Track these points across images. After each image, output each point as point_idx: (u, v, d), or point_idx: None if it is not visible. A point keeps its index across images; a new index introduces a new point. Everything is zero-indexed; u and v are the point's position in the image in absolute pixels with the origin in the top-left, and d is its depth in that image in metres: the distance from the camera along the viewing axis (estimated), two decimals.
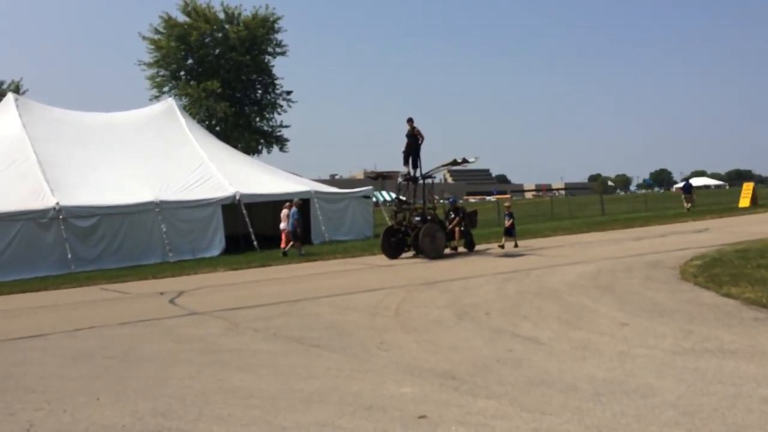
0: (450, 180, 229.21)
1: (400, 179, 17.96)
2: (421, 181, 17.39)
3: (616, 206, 37.20)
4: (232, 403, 5.03)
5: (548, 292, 9.50)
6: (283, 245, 19.61)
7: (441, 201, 21.27)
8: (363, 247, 19.65)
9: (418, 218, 16.80)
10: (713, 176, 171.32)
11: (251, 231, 21.70)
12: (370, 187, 25.83)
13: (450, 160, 17.46)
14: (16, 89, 48.62)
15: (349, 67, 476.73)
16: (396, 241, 16.87)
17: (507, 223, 18.05)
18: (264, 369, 6.03)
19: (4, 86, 48.61)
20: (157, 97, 34.56)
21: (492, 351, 6.20)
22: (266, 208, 25.90)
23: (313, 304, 9.81)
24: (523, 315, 7.90)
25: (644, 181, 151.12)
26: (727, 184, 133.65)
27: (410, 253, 17.01)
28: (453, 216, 17.62)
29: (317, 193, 24.02)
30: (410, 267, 14.49)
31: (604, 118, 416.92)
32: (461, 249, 17.49)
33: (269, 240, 22.42)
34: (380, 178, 21.74)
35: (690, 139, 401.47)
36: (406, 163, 17.58)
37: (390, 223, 18.47)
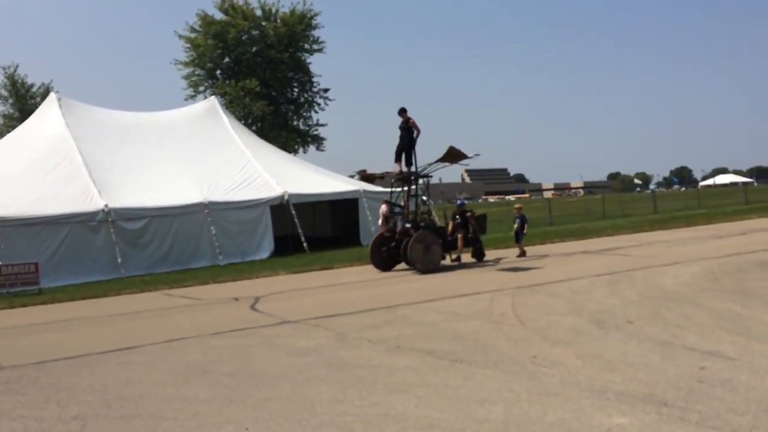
0: (468, 180, 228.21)
1: (392, 179, 15.69)
2: (419, 181, 15.22)
3: (667, 203, 36.09)
4: None
5: (676, 296, 8.66)
6: None
7: (444, 202, 19.43)
8: None
9: (408, 225, 14.43)
10: (736, 173, 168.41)
11: (300, 232, 21.00)
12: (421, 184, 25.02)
13: (445, 150, 14.56)
14: (47, 91, 48.42)
15: (382, 63, 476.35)
16: (387, 250, 14.62)
17: (516, 226, 16.13)
18: (420, 390, 5.25)
19: (35, 88, 48.43)
20: (192, 97, 34.08)
21: (681, 369, 5.38)
22: (310, 208, 25.30)
23: (413, 311, 9.04)
24: (675, 324, 7.06)
25: (671, 179, 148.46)
26: (754, 180, 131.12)
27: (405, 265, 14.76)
28: (458, 220, 15.50)
29: (366, 192, 23.25)
30: (467, 274, 13.68)
31: (622, 116, 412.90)
32: (467, 259, 15.45)
33: (316, 241, 21.74)
34: (371, 179, 18.37)
35: (709, 136, 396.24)
36: (398, 160, 15.01)
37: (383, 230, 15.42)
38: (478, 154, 14.87)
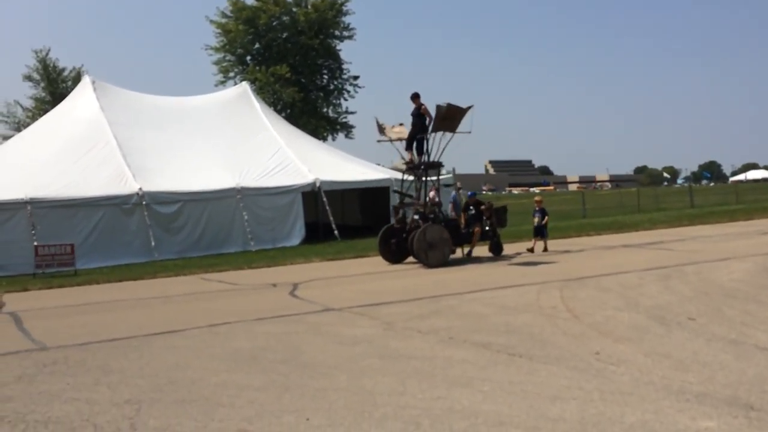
0: (492, 171, 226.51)
1: (404, 168, 15.06)
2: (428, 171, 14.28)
3: (704, 198, 35.28)
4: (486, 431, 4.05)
5: (735, 293, 8.32)
6: None
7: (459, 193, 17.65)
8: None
9: (417, 216, 13.94)
10: (766, 168, 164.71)
11: (332, 220, 20.84)
12: (451, 175, 24.72)
13: (441, 110, 13.27)
14: (78, 75, 48.83)
15: (412, 51, 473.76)
16: (397, 243, 14.03)
17: (535, 220, 15.34)
18: (483, 385, 5.03)
19: (66, 72, 48.86)
20: (222, 83, 34.07)
21: (760, 369, 5.09)
22: (340, 196, 25.14)
23: (459, 302, 8.81)
24: (740, 321, 6.75)
25: (702, 173, 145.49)
26: None
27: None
28: (472, 212, 14.65)
29: (397, 181, 22.98)
30: (503, 266, 13.39)
31: (649, 109, 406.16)
32: (484, 253, 14.82)
33: (345, 229, 21.57)
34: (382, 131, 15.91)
35: (737, 130, 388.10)
36: (409, 148, 14.36)
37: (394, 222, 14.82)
38: (471, 106, 13.70)
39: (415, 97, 14.29)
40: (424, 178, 14.27)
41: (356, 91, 36.24)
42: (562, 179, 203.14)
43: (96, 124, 20.91)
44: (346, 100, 36.16)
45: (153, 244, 17.77)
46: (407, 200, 14.53)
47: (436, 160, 14.30)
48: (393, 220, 15.10)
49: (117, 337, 7.44)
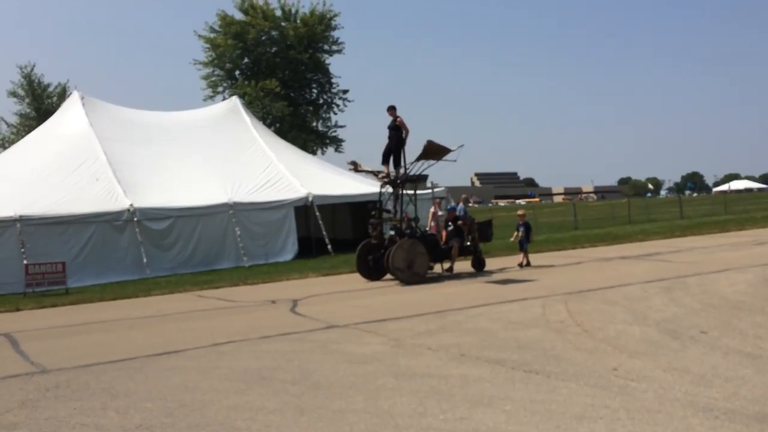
0: (477, 183, 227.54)
1: (380, 182, 14.60)
2: (408, 184, 14.07)
3: (693, 209, 35.57)
4: None
5: (741, 305, 8.30)
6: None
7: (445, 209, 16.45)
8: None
9: (393, 232, 13.55)
10: (749, 179, 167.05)
11: (324, 234, 20.70)
12: (444, 188, 24.71)
13: (423, 145, 13.15)
14: (63, 91, 48.42)
15: (399, 64, 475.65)
16: (374, 259, 13.55)
17: (519, 234, 14.94)
18: (505, 404, 4.92)
19: (51, 88, 48.39)
20: (211, 97, 33.93)
21: None
22: (331, 210, 25.00)
23: (464, 317, 8.72)
24: (753, 334, 6.71)
25: (686, 184, 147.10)
26: None
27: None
28: (451, 227, 14.41)
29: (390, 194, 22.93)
30: (492, 283, 13.34)
31: (632, 121, 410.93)
32: (466, 268, 14.40)
33: (337, 244, 21.42)
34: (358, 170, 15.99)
35: (718, 141, 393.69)
36: (385, 161, 14.03)
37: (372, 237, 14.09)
38: (461, 146, 13.47)
39: (391, 109, 14.04)
40: (401, 192, 13.86)
41: (346, 105, 36.35)
42: (547, 191, 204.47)
43: (85, 140, 20.71)
44: (335, 113, 36.20)
45: (145, 260, 17.54)
46: (385, 215, 14.10)
47: (416, 174, 14.06)
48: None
49: (119, 359, 7.25)
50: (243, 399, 5.43)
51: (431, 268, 13.53)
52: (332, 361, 6.63)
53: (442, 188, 25.24)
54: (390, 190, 14.16)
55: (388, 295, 11.61)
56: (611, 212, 30.05)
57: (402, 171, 13.82)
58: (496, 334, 7.49)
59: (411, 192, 14.40)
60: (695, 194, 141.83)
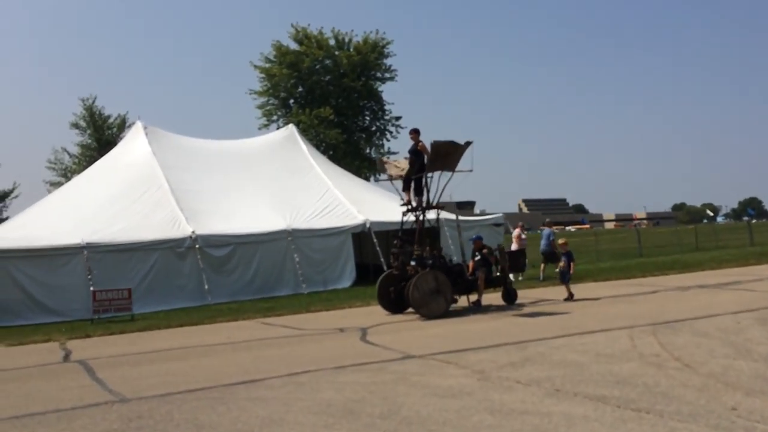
0: (525, 210, 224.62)
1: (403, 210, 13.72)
2: (431, 213, 13.36)
3: (762, 235, 33.98)
4: None
5: None
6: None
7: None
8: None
9: (414, 263, 12.57)
10: None
11: (383, 261, 20.47)
12: (501, 215, 24.29)
13: (434, 147, 12.30)
14: (123, 122, 50.11)
15: (452, 91, 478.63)
16: (397, 291, 12.73)
17: (561, 264, 13.98)
18: None
19: (111, 119, 50.13)
20: (266, 126, 34.46)
21: None
22: (386, 237, 24.81)
23: (546, 348, 8.29)
24: None
25: (747, 210, 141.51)
26: None
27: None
28: (478, 257, 13.52)
29: (447, 221, 22.63)
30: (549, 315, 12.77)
31: (686, 145, 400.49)
32: (496, 301, 13.69)
33: None
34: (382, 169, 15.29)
35: None
36: (406, 188, 13.37)
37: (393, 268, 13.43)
38: (470, 142, 12.65)
39: (413, 132, 13.44)
40: (422, 220, 13.16)
41: (398, 132, 36.34)
42: (598, 217, 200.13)
43: (148, 168, 21.13)
44: (388, 140, 36.19)
45: (206, 287, 17.62)
46: (408, 245, 13.12)
47: (435, 202, 13.27)
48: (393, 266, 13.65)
49: (196, 388, 7.10)
50: None
51: (455, 300, 12.72)
52: (418, 394, 6.32)
53: (500, 214, 24.86)
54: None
55: (460, 324, 11.23)
56: (676, 239, 28.93)
57: (426, 198, 13.13)
58: (587, 368, 7.05)
59: (434, 218, 13.64)
60: (754, 220, 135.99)
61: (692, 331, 8.88)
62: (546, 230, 18.18)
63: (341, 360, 8.24)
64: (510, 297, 13.53)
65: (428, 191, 13.20)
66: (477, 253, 13.66)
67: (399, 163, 14.80)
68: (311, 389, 6.77)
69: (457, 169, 12.99)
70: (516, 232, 19.20)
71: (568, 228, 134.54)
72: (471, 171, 13.27)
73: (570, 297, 13.39)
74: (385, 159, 14.91)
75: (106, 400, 6.78)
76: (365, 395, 6.37)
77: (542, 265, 18.71)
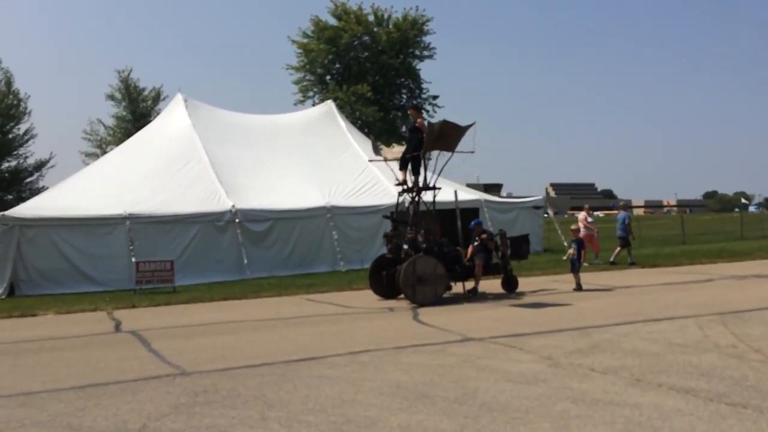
0: (552, 194, 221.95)
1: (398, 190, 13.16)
2: (425, 193, 12.58)
3: None
4: None
5: None
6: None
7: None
8: (547, 264, 17.72)
9: (406, 246, 11.92)
10: None
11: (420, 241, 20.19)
12: (541, 197, 23.80)
13: (437, 127, 11.65)
14: (157, 95, 50.36)
15: (490, 71, 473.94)
16: (389, 276, 12.18)
17: (572, 252, 13.10)
18: None
19: (146, 92, 50.37)
20: (302, 102, 34.26)
21: None
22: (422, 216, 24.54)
23: (612, 335, 7.97)
24: None
25: None
26: None
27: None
28: (477, 242, 12.83)
29: (487, 202, 22.29)
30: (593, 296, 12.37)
31: (719, 132, 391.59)
32: (495, 288, 12.99)
33: None
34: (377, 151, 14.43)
35: None
36: (403, 167, 12.62)
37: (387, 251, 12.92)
38: (473, 123, 12.04)
39: (413, 109, 12.67)
40: (418, 202, 12.45)
41: (435, 111, 35.86)
42: (626, 203, 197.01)
43: (188, 141, 21.09)
44: (425, 119, 35.62)
45: (245, 261, 17.58)
46: (402, 227, 12.61)
47: (432, 183, 12.53)
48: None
49: (256, 363, 6.95)
50: (412, 418, 4.95)
51: (450, 288, 12.13)
52: (490, 379, 6.07)
53: (540, 197, 24.37)
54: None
55: (511, 307, 10.94)
56: (719, 226, 28.11)
57: (421, 178, 12.41)
58: (663, 358, 6.72)
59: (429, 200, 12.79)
60: None
61: (764, 321, 8.49)
62: (621, 213, 17.53)
63: (399, 340, 8.04)
64: (510, 285, 12.78)
65: (426, 170, 12.52)
66: (476, 239, 12.94)
67: (394, 148, 14.32)
68: (376, 369, 6.57)
69: (457, 150, 12.37)
70: (582, 215, 18.30)
71: (597, 213, 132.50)
72: (473, 152, 12.68)
73: (578, 287, 12.62)
74: (378, 143, 14.24)
75: (167, 373, 6.67)
76: (434, 378, 6.15)
77: (617, 249, 17.77)
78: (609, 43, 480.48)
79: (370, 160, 14.81)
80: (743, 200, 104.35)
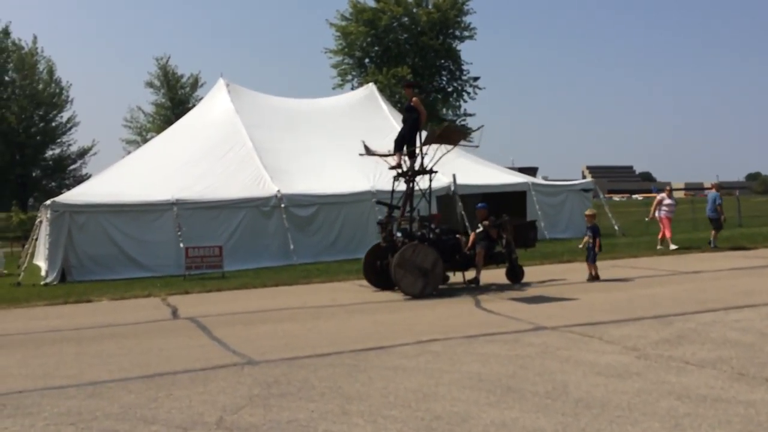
0: (589, 177, 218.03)
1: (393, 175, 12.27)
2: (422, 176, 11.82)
3: None
4: None
5: None
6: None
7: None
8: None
9: (400, 234, 11.15)
10: None
11: (468, 225, 19.78)
12: (590, 180, 23.11)
13: (440, 127, 11.32)
14: (195, 82, 50.65)
15: (533, 53, 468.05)
16: (382, 265, 11.40)
17: (587, 239, 11.96)
18: None
19: (184, 79, 50.71)
20: (340, 85, 33.96)
21: None
22: (467, 201, 24.10)
23: (695, 324, 7.50)
24: None
25: None
26: None
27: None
28: (480, 230, 11.93)
29: (534, 185, 21.71)
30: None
31: (761, 112, 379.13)
32: (500, 279, 12.05)
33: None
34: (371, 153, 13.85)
35: None
36: (398, 149, 11.76)
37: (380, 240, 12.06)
38: (482, 126, 11.64)
39: (407, 87, 12.10)
40: (412, 186, 11.73)
41: (476, 93, 35.13)
42: (666, 186, 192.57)
43: (231, 126, 20.93)
44: (465, 102, 35.05)
45: (292, 247, 17.40)
46: (397, 214, 11.82)
47: (429, 166, 11.77)
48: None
49: (323, 352, 6.70)
50: (505, 414, 4.61)
51: (447, 279, 11.51)
52: (577, 372, 5.69)
53: (589, 179, 23.69)
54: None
55: (575, 293, 10.48)
56: None
57: (415, 161, 11.65)
58: (761, 349, 6.25)
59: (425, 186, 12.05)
60: None
61: None
62: (711, 193, 16.76)
63: (467, 329, 7.70)
64: (516, 275, 11.83)
65: (423, 156, 11.74)
66: (480, 225, 12.01)
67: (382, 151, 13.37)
68: (450, 360, 6.25)
69: (461, 144, 12.07)
70: (660, 196, 17.43)
71: (634, 196, 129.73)
72: (477, 147, 12.59)
73: (595, 277, 11.69)
74: (368, 145, 13.75)
75: (233, 362, 6.46)
76: (516, 370, 5.80)
77: (713, 232, 16.91)
78: (648, 23, 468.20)
79: (359, 154, 14.27)
80: None
